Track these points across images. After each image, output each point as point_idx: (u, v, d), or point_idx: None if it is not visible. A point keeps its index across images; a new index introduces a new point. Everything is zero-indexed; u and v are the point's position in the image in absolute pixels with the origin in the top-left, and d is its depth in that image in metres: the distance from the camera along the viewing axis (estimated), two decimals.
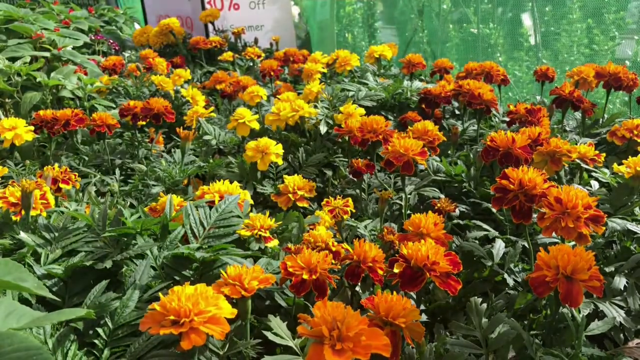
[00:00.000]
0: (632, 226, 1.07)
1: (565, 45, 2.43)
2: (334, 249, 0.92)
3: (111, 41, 3.26)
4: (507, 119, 1.59)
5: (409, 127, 1.39)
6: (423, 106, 1.74)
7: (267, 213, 1.05)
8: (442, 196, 1.26)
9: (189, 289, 0.70)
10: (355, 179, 1.33)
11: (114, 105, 2.16)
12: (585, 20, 2.34)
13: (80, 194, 1.34)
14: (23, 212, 1.07)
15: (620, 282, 0.99)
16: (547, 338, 0.89)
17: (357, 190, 1.42)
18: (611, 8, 2.23)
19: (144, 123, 1.73)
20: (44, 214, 1.09)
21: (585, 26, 2.34)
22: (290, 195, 1.29)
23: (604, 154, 1.33)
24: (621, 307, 0.97)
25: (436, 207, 1.14)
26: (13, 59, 2.24)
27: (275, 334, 0.72)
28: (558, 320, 0.89)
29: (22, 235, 0.98)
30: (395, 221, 1.30)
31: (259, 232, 0.99)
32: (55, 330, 0.81)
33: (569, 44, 2.41)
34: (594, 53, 2.32)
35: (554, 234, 0.87)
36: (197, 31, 3.52)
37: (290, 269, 0.82)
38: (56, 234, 1.00)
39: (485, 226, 1.17)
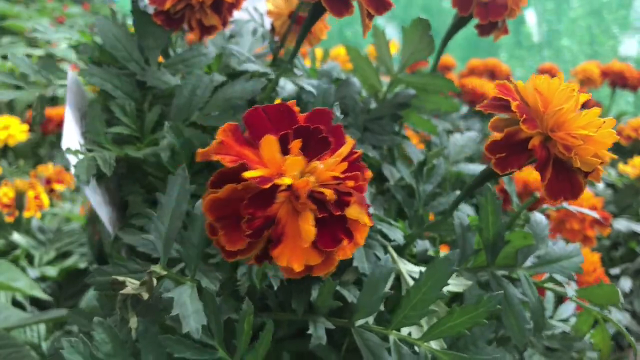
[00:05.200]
0: (637, 227, 1.06)
1: (568, 44, 2.41)
2: None
3: None
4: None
5: None
6: None
7: None
8: None
9: None
10: None
11: None
12: (588, 18, 2.31)
13: (75, 195, 1.32)
14: (17, 212, 1.05)
15: (626, 284, 0.98)
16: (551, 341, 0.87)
17: None
18: (614, 6, 2.21)
19: None
20: (38, 215, 1.07)
21: (588, 24, 2.32)
22: None
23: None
24: (627, 310, 0.95)
25: None
26: (6, 57, 2.22)
27: None
28: None
29: (16, 236, 0.97)
30: None
31: None
32: (49, 333, 0.80)
33: (572, 43, 2.39)
34: (597, 52, 2.30)
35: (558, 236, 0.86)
36: None
37: None
38: (50, 236, 0.99)
39: None
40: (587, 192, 0.88)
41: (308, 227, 0.28)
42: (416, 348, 0.40)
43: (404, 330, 0.41)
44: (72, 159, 0.44)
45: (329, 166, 0.29)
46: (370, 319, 0.41)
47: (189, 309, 0.36)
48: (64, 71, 0.55)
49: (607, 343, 0.53)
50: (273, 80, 0.54)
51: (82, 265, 0.89)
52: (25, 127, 1.52)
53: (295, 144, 0.29)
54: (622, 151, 1.48)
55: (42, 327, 0.78)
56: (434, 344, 0.40)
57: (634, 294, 0.98)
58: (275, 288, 0.41)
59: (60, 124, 1.57)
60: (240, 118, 0.38)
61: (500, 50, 2.72)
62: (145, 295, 0.37)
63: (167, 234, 0.38)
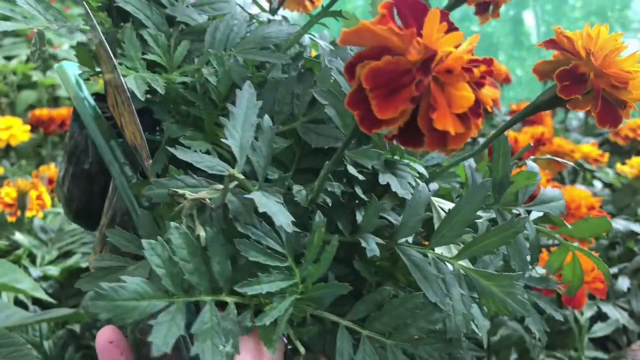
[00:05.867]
0: (635, 227, 1.06)
1: None
2: None
3: None
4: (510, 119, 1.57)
5: None
6: None
7: None
8: None
9: None
10: None
11: None
12: (588, 19, 2.32)
13: None
14: (19, 212, 1.05)
15: (624, 283, 0.98)
16: (549, 340, 0.88)
17: None
18: (614, 6, 2.22)
19: None
20: (40, 214, 1.08)
21: (587, 25, 2.33)
22: None
23: (608, 154, 1.32)
24: (624, 309, 0.96)
25: None
26: (9, 58, 2.23)
27: None
28: (561, 323, 0.88)
29: (18, 236, 0.97)
30: None
31: None
32: (52, 332, 0.81)
33: None
34: None
35: None
36: None
37: None
38: (52, 235, 0.99)
39: None
40: (585, 192, 0.89)
41: (467, 94, 0.31)
42: (448, 265, 0.43)
43: (437, 251, 0.44)
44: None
45: (465, 50, 0.32)
46: (410, 239, 0.44)
47: (273, 207, 0.38)
48: (60, 11, 0.55)
49: (578, 276, 0.57)
50: (307, 25, 0.56)
51: (84, 264, 0.90)
52: (28, 127, 1.53)
53: (443, 26, 0.31)
54: (620, 151, 1.49)
55: (45, 326, 0.79)
56: (463, 263, 0.44)
57: (631, 292, 0.98)
58: (330, 205, 0.43)
59: (61, 124, 1.58)
60: (274, 55, 0.49)
61: (499, 50, 2.73)
62: (214, 203, 0.39)
63: (241, 141, 0.40)
